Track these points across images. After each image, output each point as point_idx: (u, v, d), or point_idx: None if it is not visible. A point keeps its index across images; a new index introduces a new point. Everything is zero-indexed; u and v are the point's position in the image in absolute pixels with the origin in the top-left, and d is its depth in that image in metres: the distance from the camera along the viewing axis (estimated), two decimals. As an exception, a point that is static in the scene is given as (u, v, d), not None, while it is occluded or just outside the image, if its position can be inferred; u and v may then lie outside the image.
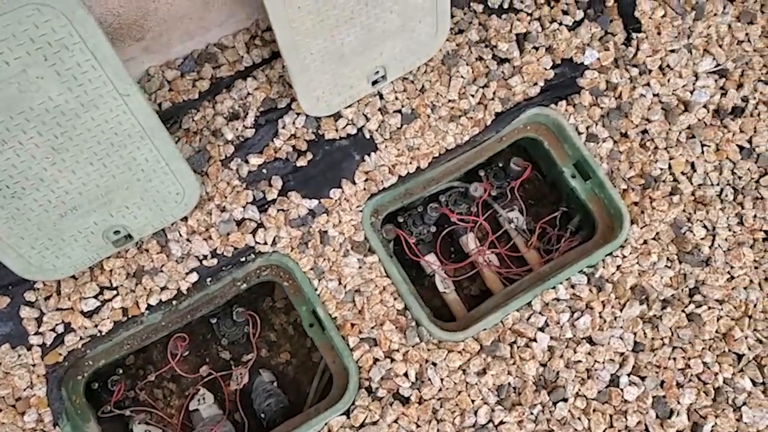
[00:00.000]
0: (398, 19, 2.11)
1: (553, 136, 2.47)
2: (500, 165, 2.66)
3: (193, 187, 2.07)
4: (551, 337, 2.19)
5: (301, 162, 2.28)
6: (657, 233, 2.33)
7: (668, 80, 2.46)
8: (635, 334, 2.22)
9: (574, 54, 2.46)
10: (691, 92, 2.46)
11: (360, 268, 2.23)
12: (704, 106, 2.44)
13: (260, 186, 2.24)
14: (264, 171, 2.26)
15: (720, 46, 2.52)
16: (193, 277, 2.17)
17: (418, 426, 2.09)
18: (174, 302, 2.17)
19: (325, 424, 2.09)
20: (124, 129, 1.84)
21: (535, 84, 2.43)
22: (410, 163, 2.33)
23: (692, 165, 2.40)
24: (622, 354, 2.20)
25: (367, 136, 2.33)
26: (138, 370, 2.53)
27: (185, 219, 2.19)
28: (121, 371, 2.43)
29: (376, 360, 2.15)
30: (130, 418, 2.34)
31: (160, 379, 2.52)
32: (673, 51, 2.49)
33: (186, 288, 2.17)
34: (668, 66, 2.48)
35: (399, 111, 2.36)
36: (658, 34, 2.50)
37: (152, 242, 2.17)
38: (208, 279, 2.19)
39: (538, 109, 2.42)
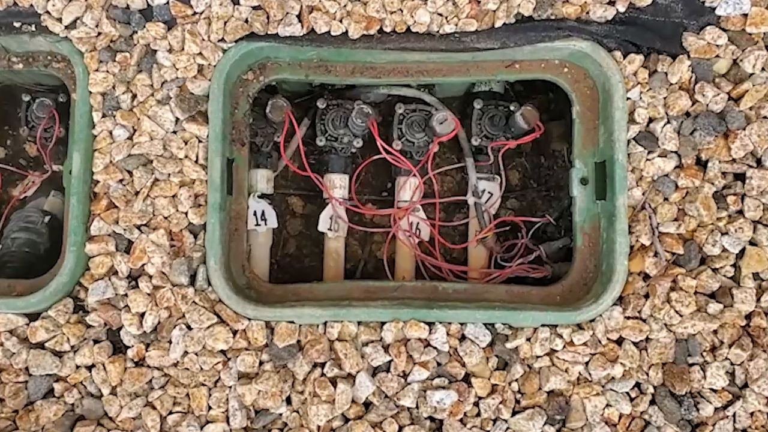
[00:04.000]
0: None
1: (593, 102, 1.42)
2: (508, 108, 1.64)
3: None
4: (379, 390, 1.32)
5: (173, -74, 1.34)
6: (647, 339, 1.34)
7: (840, 117, 1.32)
8: (508, 460, 1.32)
9: (709, -14, 1.33)
10: None
11: (173, 133, 1.36)
12: None
13: (94, -71, 1.34)
14: None
15: None
16: (-64, 10, 1.37)
17: (111, 393, 1.32)
18: None
19: (-2, 314, 1.34)
20: None
21: (612, 3, 1.34)
22: (339, 20, 1.36)
23: (780, 273, 1.33)
24: (468, 475, 1.32)
25: (298, -60, 1.35)
26: None
27: None
28: None
29: (114, 273, 1.35)
30: None
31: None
32: None
33: None
34: None
35: (370, -72, 1.34)
36: None
37: None
38: (-44, 26, 1.38)
39: (592, 47, 1.36)
